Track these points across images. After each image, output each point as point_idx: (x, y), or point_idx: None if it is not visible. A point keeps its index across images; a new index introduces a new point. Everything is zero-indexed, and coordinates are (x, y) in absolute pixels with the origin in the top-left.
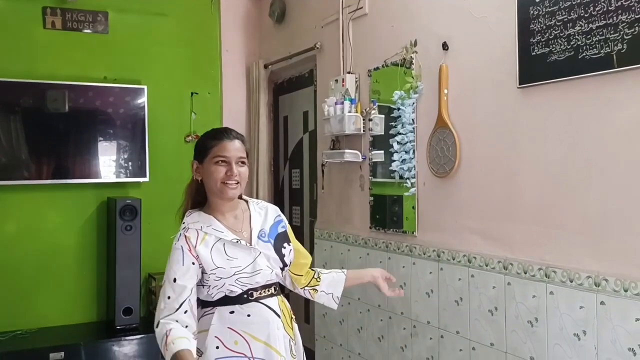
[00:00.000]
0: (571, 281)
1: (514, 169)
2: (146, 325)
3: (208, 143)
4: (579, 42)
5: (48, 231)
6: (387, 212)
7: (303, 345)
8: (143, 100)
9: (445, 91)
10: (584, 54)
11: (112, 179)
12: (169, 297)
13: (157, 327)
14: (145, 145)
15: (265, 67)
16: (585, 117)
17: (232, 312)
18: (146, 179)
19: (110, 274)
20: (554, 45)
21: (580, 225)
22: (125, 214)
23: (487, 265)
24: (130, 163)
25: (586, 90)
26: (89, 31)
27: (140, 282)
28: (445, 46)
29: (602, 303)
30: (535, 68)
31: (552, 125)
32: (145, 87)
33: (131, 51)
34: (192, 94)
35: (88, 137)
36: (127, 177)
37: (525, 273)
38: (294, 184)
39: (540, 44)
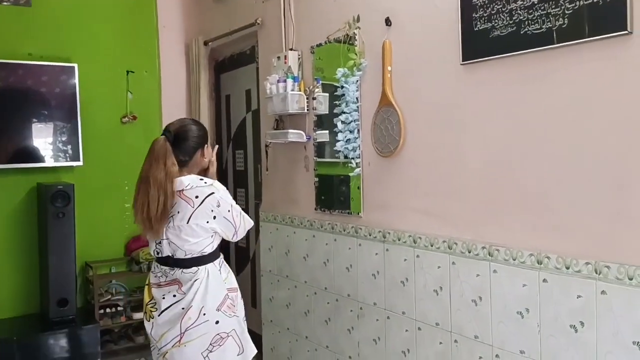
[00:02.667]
0: (514, 259)
1: (457, 147)
2: (83, 316)
3: (206, 130)
4: (521, 17)
5: None
6: (333, 193)
7: (250, 330)
8: (73, 79)
9: (389, 68)
10: (526, 29)
11: (43, 163)
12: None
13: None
14: (77, 127)
15: (205, 44)
16: (527, 94)
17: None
18: (80, 163)
19: (43, 264)
20: (496, 20)
21: (522, 203)
22: (57, 200)
23: (432, 245)
24: (62, 146)
25: (528, 66)
26: (7, 3)
27: (75, 272)
28: (388, 21)
29: (544, 281)
30: (478, 44)
31: (495, 102)
32: (75, 65)
33: (58, 26)
34: (127, 72)
35: (14, 119)
36: (59, 161)
37: (470, 252)
38: (238, 166)
39: (483, 19)
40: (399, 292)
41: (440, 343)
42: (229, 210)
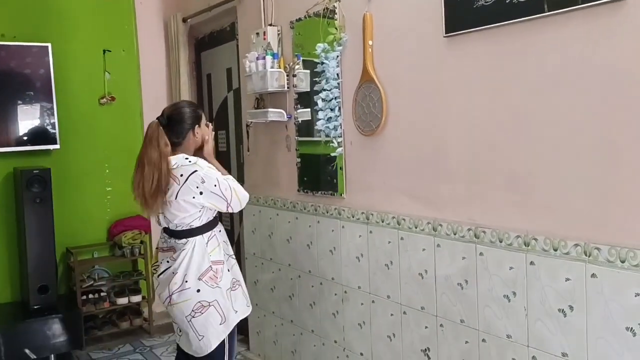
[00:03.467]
0: (500, 241)
1: (441, 125)
2: (65, 303)
3: (199, 111)
4: None
5: None
6: (315, 174)
7: None
8: (47, 59)
9: (370, 42)
10: None
11: (18, 147)
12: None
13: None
14: (53, 110)
15: (184, 20)
16: (514, 68)
17: (220, 231)
18: (57, 146)
19: (22, 251)
20: None
21: (508, 182)
22: (34, 186)
23: (416, 227)
24: (38, 129)
25: (515, 38)
26: None
27: (55, 258)
28: None
29: (531, 263)
30: (462, 15)
31: (479, 77)
32: (49, 44)
33: (32, 5)
34: (104, 51)
35: None
36: (35, 144)
37: (455, 234)
38: (220, 146)
39: None
40: (383, 276)
41: (426, 327)
42: (215, 185)
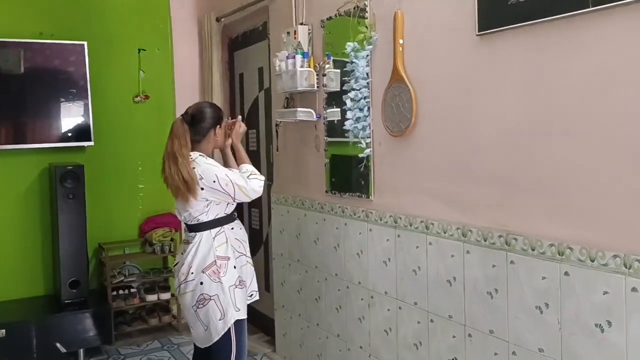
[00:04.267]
0: (533, 250)
1: (472, 126)
2: (96, 298)
3: (221, 112)
4: None
5: None
6: (343, 175)
7: (264, 314)
8: (83, 57)
9: (401, 41)
10: None
11: (54, 143)
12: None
13: (260, 187)
14: (88, 107)
15: (218, 20)
16: (550, 67)
17: (232, 228)
18: (91, 143)
19: (55, 246)
20: None
21: (542, 187)
22: (67, 181)
23: (445, 232)
24: (73, 126)
25: (553, 36)
26: None
27: (87, 253)
28: None
29: (566, 274)
30: (496, 12)
31: (514, 77)
32: (85, 43)
33: (69, 3)
34: (139, 50)
35: (25, 99)
36: (70, 141)
37: (485, 240)
38: (250, 146)
39: None
40: (410, 281)
41: (454, 337)
42: (214, 181)
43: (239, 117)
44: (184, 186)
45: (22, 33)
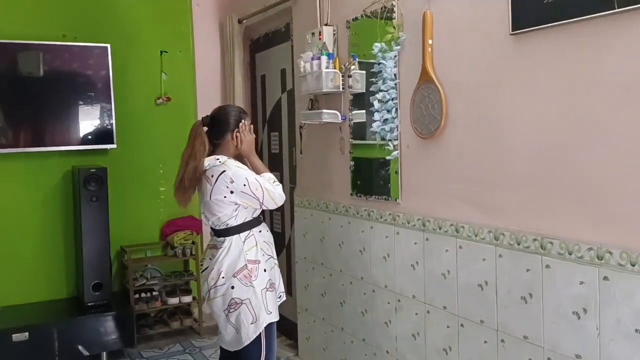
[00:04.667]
0: (570, 254)
1: (505, 128)
2: (118, 301)
3: (243, 115)
4: None
5: (9, 203)
6: (369, 178)
7: (287, 318)
8: (107, 59)
9: (430, 41)
10: None
11: (77, 146)
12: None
13: (283, 194)
14: (111, 109)
15: (240, 21)
16: (588, 67)
17: (260, 231)
18: (114, 146)
19: (78, 248)
20: None
21: (580, 190)
22: (90, 184)
23: (476, 236)
24: (95, 129)
25: (591, 35)
26: None
27: (109, 256)
28: None
29: (605, 278)
30: (530, 11)
31: (549, 77)
32: (108, 45)
33: (91, 6)
34: (161, 52)
35: (48, 102)
36: (93, 143)
37: (519, 244)
38: (272, 148)
39: None
40: (439, 285)
41: (485, 342)
42: (244, 185)
43: (244, 122)
44: (187, 182)
45: (45, 35)
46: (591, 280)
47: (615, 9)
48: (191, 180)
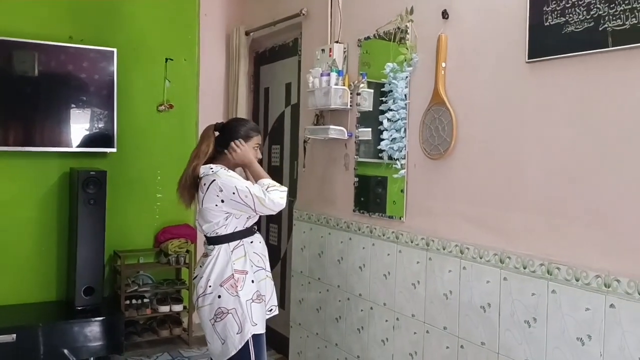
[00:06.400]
0: (577, 280)
1: (516, 153)
2: (108, 307)
3: (252, 132)
4: (600, 12)
5: (4, 202)
6: (373, 195)
7: (277, 331)
8: (112, 64)
9: (443, 64)
10: (606, 25)
11: (76, 148)
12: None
13: (282, 198)
14: (113, 113)
15: (247, 34)
16: (602, 98)
17: (251, 242)
18: (113, 150)
19: (72, 251)
20: (571, 15)
21: (590, 217)
22: (89, 187)
23: (481, 258)
24: (96, 132)
25: (606, 67)
26: None
27: (103, 260)
28: (445, 14)
29: (611, 306)
30: (548, 40)
31: (564, 105)
32: (114, 49)
33: (99, 9)
34: (166, 59)
35: (51, 103)
36: (93, 146)
37: (525, 268)
38: (273, 161)
39: (555, 12)
40: (440, 305)
41: None
42: (233, 193)
43: (242, 140)
44: (188, 180)
45: (52, 36)
46: (597, 307)
47: (636, 42)
48: (190, 179)
